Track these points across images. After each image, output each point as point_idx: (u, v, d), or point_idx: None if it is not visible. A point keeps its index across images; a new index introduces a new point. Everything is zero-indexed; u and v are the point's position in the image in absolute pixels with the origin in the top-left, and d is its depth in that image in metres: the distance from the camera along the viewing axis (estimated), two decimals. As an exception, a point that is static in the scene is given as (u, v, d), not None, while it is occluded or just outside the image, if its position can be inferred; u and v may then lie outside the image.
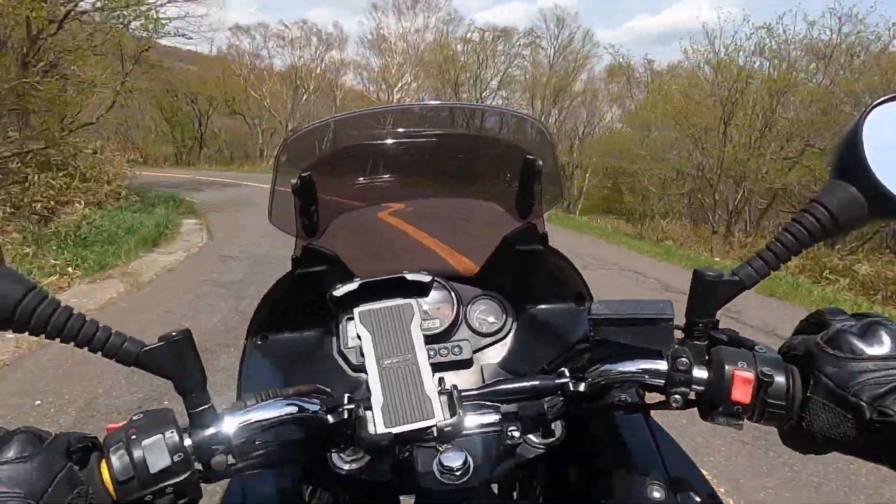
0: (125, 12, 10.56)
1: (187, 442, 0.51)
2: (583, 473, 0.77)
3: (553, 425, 0.66)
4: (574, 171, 23.79)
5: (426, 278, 0.71)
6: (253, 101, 31.91)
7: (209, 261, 6.62)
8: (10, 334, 3.16)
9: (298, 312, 0.94)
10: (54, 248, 6.47)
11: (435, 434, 0.59)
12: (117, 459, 0.48)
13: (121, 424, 0.51)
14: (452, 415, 0.59)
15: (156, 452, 0.48)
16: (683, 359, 0.57)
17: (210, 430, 0.53)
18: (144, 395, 3.18)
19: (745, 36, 14.93)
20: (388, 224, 1.13)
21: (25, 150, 7.84)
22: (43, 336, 0.48)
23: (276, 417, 0.56)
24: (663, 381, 0.58)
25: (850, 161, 0.54)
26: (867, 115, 0.54)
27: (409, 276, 0.71)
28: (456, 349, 0.94)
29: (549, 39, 26.99)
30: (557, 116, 27.40)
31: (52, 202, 7.89)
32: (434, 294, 0.98)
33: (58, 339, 0.48)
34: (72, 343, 0.49)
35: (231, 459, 0.54)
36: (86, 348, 0.49)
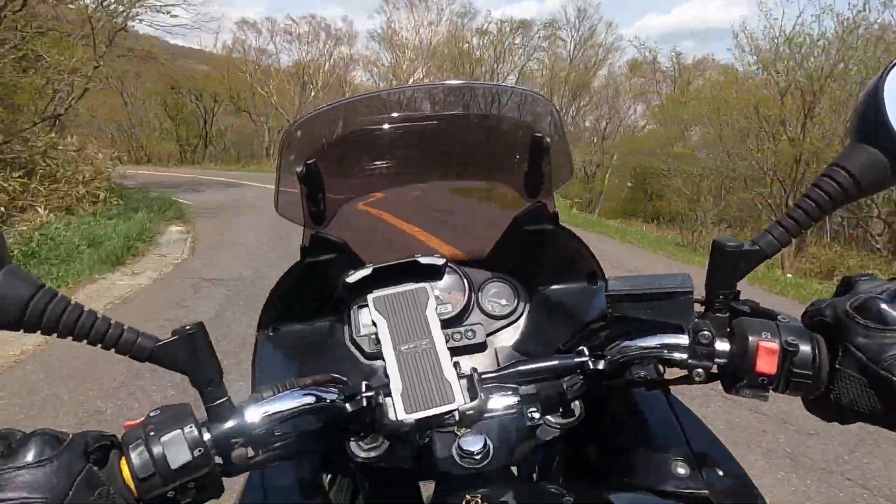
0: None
1: (207, 436, 0.50)
2: (603, 452, 0.75)
3: (572, 405, 0.65)
4: (595, 171, 22.28)
5: (440, 261, 0.75)
6: (259, 97, 30.92)
7: (180, 287, 5.30)
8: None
9: (309, 302, 0.93)
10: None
11: (457, 418, 0.58)
12: (137, 456, 0.47)
13: (138, 421, 0.50)
14: (473, 398, 0.58)
15: (176, 448, 0.48)
16: (705, 332, 0.56)
17: (229, 424, 0.52)
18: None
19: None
20: (396, 207, 1.10)
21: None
22: (55, 335, 0.47)
23: (295, 408, 0.56)
24: (685, 356, 0.57)
25: (871, 122, 0.52)
26: (887, 73, 0.52)
27: (423, 260, 0.74)
28: (469, 333, 0.93)
29: (569, 31, 25.49)
30: (575, 113, 25.94)
31: (1, 207, 6.61)
32: (445, 279, 0.96)
33: (69, 337, 0.47)
34: (84, 341, 0.48)
35: (251, 452, 0.54)
36: (99, 345, 0.48)
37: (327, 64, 31.75)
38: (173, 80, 31.91)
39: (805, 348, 0.53)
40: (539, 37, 24.99)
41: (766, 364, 0.53)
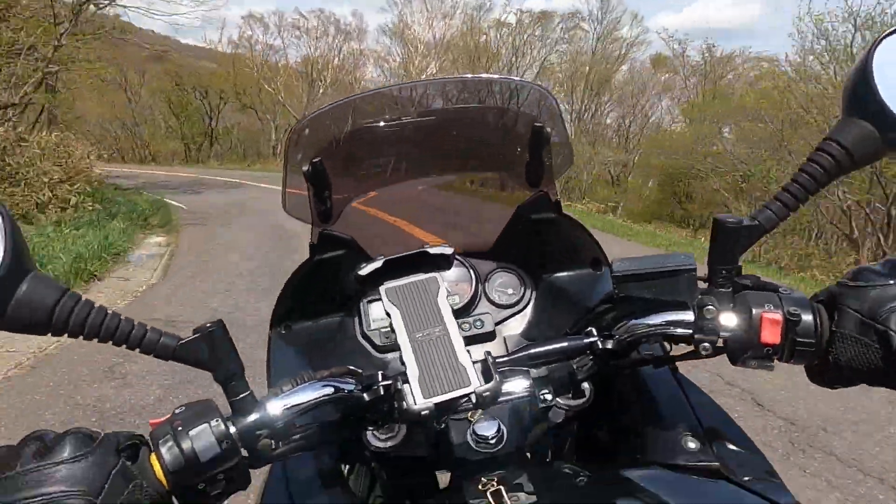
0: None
1: (232, 429, 0.51)
2: (614, 432, 0.77)
3: (582, 386, 0.65)
4: (621, 172, 20.80)
5: (448, 250, 0.73)
6: (266, 95, 29.80)
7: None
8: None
9: (319, 299, 0.94)
10: None
11: (474, 401, 0.58)
12: (167, 451, 0.48)
13: (164, 418, 0.51)
14: (488, 381, 0.59)
15: (204, 441, 0.49)
16: (710, 307, 0.57)
17: (253, 417, 0.53)
18: None
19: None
20: (401, 203, 1.12)
21: None
22: (81, 338, 0.48)
23: (315, 399, 0.57)
24: (691, 331, 0.58)
25: (862, 95, 0.54)
26: (876, 47, 0.53)
27: (432, 250, 0.73)
28: (478, 323, 0.94)
29: (591, 23, 24.01)
30: (595, 110, 24.47)
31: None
32: (452, 270, 0.94)
33: (95, 340, 0.49)
34: (109, 342, 0.49)
35: (274, 444, 0.55)
36: (124, 346, 0.50)
37: (336, 59, 30.61)
38: (178, 76, 31.16)
39: (807, 318, 0.55)
40: (561, 29, 23.53)
41: (770, 335, 0.54)
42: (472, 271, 0.98)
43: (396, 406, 0.59)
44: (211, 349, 0.52)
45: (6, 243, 0.45)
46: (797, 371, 0.58)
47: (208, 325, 0.52)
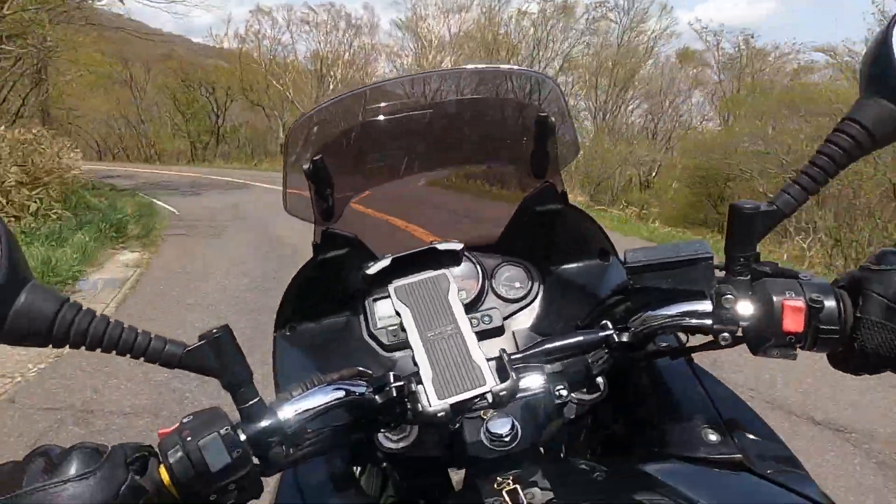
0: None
1: (243, 437, 0.50)
2: (630, 426, 0.74)
3: (597, 380, 0.64)
4: (652, 174, 19.26)
5: (457, 246, 0.72)
6: (274, 91, 28.71)
7: None
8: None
9: (324, 299, 0.92)
10: None
11: (490, 400, 0.57)
12: (177, 462, 0.47)
13: (172, 428, 0.49)
14: (504, 379, 0.57)
15: (214, 451, 0.47)
16: (728, 295, 0.56)
17: (263, 423, 0.52)
18: None
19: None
20: (405, 199, 1.10)
21: None
22: (83, 348, 0.47)
23: (326, 403, 0.56)
24: (709, 321, 0.57)
25: (882, 73, 0.52)
26: (895, 24, 0.52)
27: (440, 246, 0.72)
28: (486, 318, 0.92)
29: (617, 14, 22.51)
30: (620, 107, 23.00)
31: None
32: (458, 266, 0.88)
33: (98, 349, 0.47)
34: (113, 352, 0.48)
35: (286, 450, 0.54)
36: (128, 355, 0.48)
37: (347, 54, 29.41)
38: (184, 72, 30.24)
39: (830, 304, 0.53)
40: (587, 19, 22.05)
41: (793, 322, 0.53)
42: (478, 266, 0.95)
43: (410, 408, 0.58)
44: (217, 355, 0.50)
45: (2, 252, 0.43)
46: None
47: (214, 330, 0.50)
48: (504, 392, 0.56)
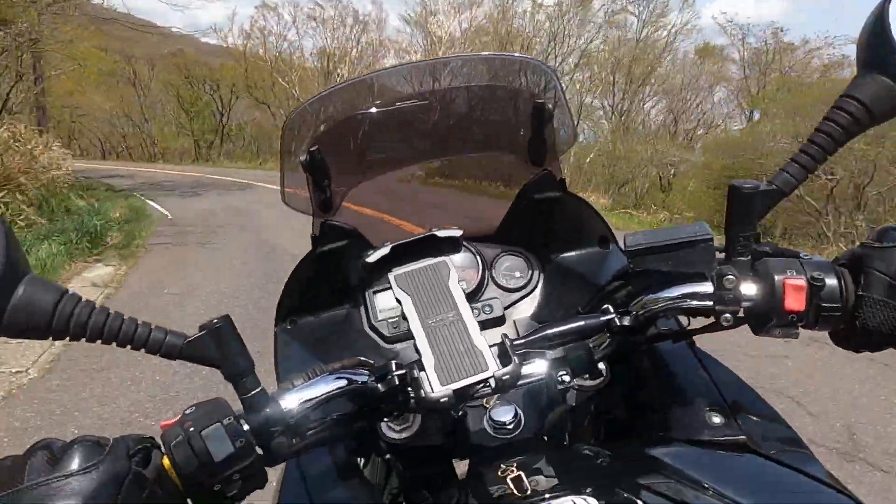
0: None
1: (246, 427, 0.50)
2: (633, 410, 0.74)
3: (599, 366, 0.64)
4: (672, 174, 18.30)
5: (457, 233, 0.76)
6: (280, 89, 27.98)
7: None
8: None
9: (324, 292, 0.91)
10: None
11: (493, 385, 0.57)
12: (180, 453, 0.47)
13: (175, 420, 0.49)
14: (506, 364, 0.57)
15: (217, 441, 0.47)
16: (729, 276, 0.55)
17: (266, 413, 0.52)
18: None
19: None
20: (403, 189, 1.10)
21: None
22: (83, 340, 0.47)
23: (328, 392, 0.55)
24: (711, 303, 0.56)
25: (879, 49, 0.52)
26: (889, 1, 0.52)
27: (440, 233, 0.75)
28: (487, 308, 0.91)
29: (636, 6, 21.53)
30: (640, 104, 22.06)
31: None
32: (457, 256, 0.94)
33: (98, 341, 0.47)
34: (113, 343, 0.48)
35: (290, 440, 0.53)
36: (128, 346, 0.48)
37: (354, 51, 28.62)
38: (187, 69, 29.62)
39: (831, 282, 0.53)
40: (606, 12, 21.07)
41: (795, 301, 0.53)
42: (478, 256, 0.94)
43: (413, 395, 0.57)
44: (218, 345, 0.50)
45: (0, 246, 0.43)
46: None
47: (214, 320, 0.50)
48: (507, 377, 0.56)
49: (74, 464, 0.42)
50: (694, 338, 0.68)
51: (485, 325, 0.87)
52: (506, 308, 0.92)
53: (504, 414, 0.65)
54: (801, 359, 3.39)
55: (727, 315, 0.55)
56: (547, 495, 0.53)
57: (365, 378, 0.57)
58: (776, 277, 0.53)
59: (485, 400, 0.65)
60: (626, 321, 0.60)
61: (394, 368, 0.58)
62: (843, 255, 0.56)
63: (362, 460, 0.76)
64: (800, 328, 0.54)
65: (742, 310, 0.55)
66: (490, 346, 0.58)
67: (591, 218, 0.94)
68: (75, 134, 30.57)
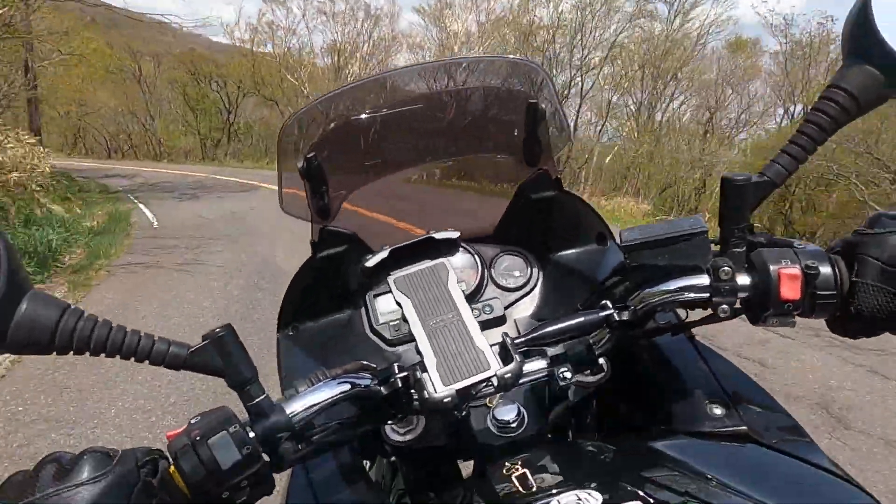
0: None
1: (252, 434, 0.50)
2: (635, 405, 0.74)
3: (599, 361, 0.64)
4: (709, 176, 16.86)
5: (454, 234, 0.75)
6: (289, 86, 26.94)
7: None
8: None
9: (325, 297, 0.91)
10: None
11: (495, 384, 0.57)
12: (187, 462, 0.47)
13: (181, 430, 0.49)
14: (508, 363, 0.58)
15: (224, 449, 0.47)
16: (725, 268, 0.56)
17: (272, 420, 0.52)
18: None
19: None
20: (400, 192, 1.10)
21: None
22: (87, 354, 0.47)
23: (333, 397, 0.55)
24: (707, 295, 0.57)
25: (863, 37, 0.53)
26: None
27: (437, 236, 0.75)
28: (487, 308, 0.90)
29: (668, -3, 20.06)
30: (669, 101, 20.63)
31: None
32: (456, 257, 0.94)
33: (102, 355, 0.48)
34: (117, 356, 0.48)
35: (296, 445, 0.54)
36: (132, 359, 0.48)
37: (366, 46, 27.48)
38: (193, 65, 28.75)
39: (825, 270, 0.54)
40: (638, 1, 19.60)
41: (790, 290, 0.53)
42: (476, 257, 0.94)
43: (416, 397, 0.57)
44: (222, 354, 0.50)
45: (1, 263, 0.43)
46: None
47: (217, 329, 0.50)
48: (509, 375, 0.56)
49: (84, 474, 0.43)
50: (692, 329, 0.67)
51: (486, 325, 0.87)
52: (506, 308, 0.91)
53: (507, 413, 0.66)
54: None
55: (724, 306, 0.56)
56: (553, 491, 0.53)
57: (368, 381, 0.57)
58: (771, 267, 0.54)
59: (487, 399, 0.65)
60: (625, 316, 0.60)
61: (396, 371, 0.58)
62: (836, 243, 0.56)
63: (368, 462, 0.77)
64: (796, 316, 0.55)
65: (739, 301, 0.56)
66: (491, 346, 0.59)
67: (587, 215, 0.94)
68: (81, 133, 29.91)
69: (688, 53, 20.39)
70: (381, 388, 0.57)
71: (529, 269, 0.95)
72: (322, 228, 0.87)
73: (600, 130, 20.66)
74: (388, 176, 1.00)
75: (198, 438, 0.47)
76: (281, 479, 0.58)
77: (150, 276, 5.06)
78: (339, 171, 0.95)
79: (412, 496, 0.73)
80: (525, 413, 0.65)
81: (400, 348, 0.86)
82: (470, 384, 0.56)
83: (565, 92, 20.34)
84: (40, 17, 11.12)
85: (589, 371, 0.63)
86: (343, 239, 0.88)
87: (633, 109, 20.86)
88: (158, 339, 0.49)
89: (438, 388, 0.56)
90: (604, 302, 0.61)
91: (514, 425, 0.65)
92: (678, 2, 20.04)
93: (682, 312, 0.63)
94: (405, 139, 1.02)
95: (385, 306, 0.87)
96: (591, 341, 0.61)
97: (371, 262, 0.72)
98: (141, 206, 10.39)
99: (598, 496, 0.49)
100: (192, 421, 0.49)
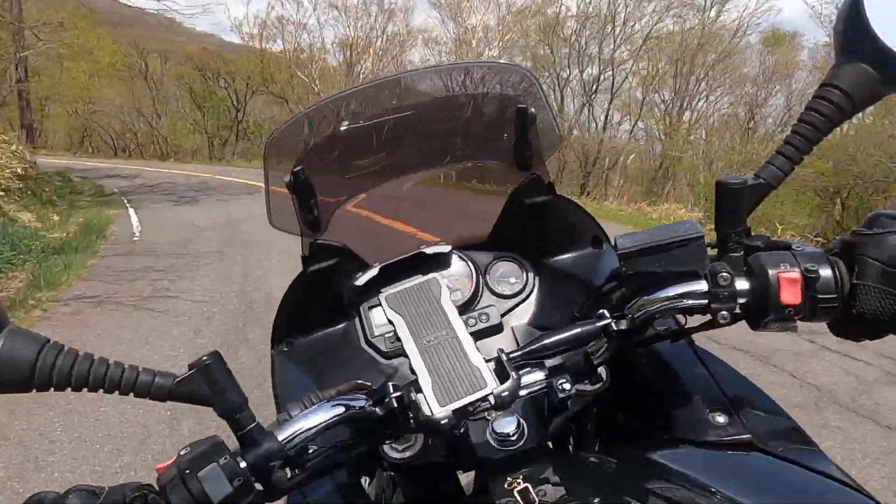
0: None
1: (243, 465, 0.49)
2: (636, 414, 0.73)
3: (598, 371, 0.63)
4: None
5: (445, 248, 0.73)
6: (299, 83, 25.85)
7: None
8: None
9: (318, 312, 0.89)
10: None
11: (492, 402, 0.56)
12: (176, 496, 0.46)
13: (169, 462, 0.48)
14: (504, 380, 0.57)
15: (214, 482, 0.46)
16: (723, 273, 0.55)
17: (263, 448, 0.51)
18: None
19: None
20: (390, 202, 1.08)
21: None
22: (69, 390, 0.46)
23: (326, 421, 0.54)
24: (706, 301, 0.56)
25: (855, 34, 0.52)
26: None
27: (428, 250, 0.73)
28: (483, 317, 0.89)
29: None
30: (706, 97, 19.17)
31: None
32: (450, 266, 0.92)
33: (84, 389, 0.46)
34: (100, 390, 0.47)
35: (289, 473, 0.53)
36: (116, 392, 0.47)
37: (379, 41, 26.30)
38: (201, 60, 27.83)
39: (825, 273, 0.53)
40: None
41: (790, 294, 0.52)
42: (471, 264, 0.93)
43: (412, 417, 0.57)
44: (209, 383, 0.48)
45: None
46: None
47: (204, 357, 0.49)
48: (506, 393, 0.56)
49: None
50: (692, 336, 0.65)
51: (482, 334, 0.87)
52: (502, 315, 0.90)
53: (506, 425, 0.65)
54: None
55: (724, 312, 0.55)
56: None
57: (362, 403, 0.56)
58: (770, 272, 0.53)
59: (486, 413, 0.64)
60: (623, 325, 0.59)
61: (391, 391, 0.57)
62: (835, 245, 0.55)
63: (367, 478, 0.75)
64: (797, 321, 0.54)
65: (738, 306, 0.55)
66: (487, 361, 0.59)
67: (581, 219, 0.93)
68: (88, 132, 29.14)
69: (729, 46, 18.91)
70: (377, 409, 0.56)
71: (525, 275, 0.93)
72: (312, 242, 0.86)
73: (632, 129, 19.27)
74: (377, 188, 0.99)
75: (187, 472, 0.46)
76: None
77: (96, 319, 3.78)
78: (328, 183, 0.94)
79: None
80: (525, 425, 0.65)
81: (395, 361, 0.85)
82: (466, 404, 0.55)
83: (594, 87, 18.97)
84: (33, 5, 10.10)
85: (588, 381, 0.62)
86: (334, 252, 0.86)
87: (664, 108, 19.45)
88: (143, 369, 0.47)
89: (434, 408, 0.55)
90: (601, 311, 0.60)
91: (513, 438, 0.64)
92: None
93: (680, 318, 0.61)
94: (394, 148, 1.00)
95: (380, 318, 0.84)
96: (589, 351, 0.61)
97: (361, 280, 0.72)
98: (131, 210, 9.40)
99: None
100: (182, 452, 0.48)
